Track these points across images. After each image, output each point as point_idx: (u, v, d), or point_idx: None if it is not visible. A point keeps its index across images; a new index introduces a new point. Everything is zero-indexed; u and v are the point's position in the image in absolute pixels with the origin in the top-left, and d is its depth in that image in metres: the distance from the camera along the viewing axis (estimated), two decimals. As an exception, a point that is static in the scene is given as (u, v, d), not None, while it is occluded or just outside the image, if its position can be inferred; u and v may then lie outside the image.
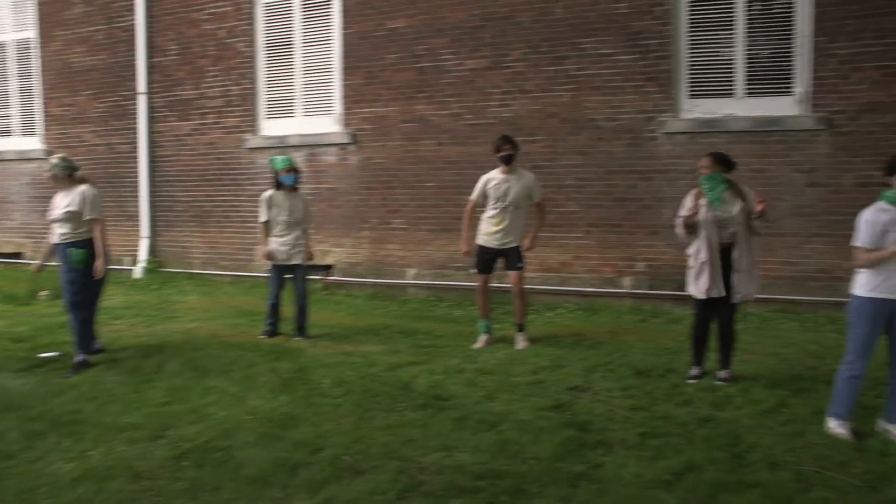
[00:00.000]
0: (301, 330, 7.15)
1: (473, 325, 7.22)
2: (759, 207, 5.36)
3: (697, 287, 5.58)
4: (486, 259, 6.88)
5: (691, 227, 5.53)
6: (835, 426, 4.55)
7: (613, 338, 7.03)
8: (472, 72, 9.00)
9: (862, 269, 4.51)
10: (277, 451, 4.26)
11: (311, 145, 9.97)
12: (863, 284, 4.49)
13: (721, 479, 3.88)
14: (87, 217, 6.19)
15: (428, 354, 6.44)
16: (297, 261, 7.15)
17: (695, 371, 5.72)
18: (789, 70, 7.92)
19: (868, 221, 4.44)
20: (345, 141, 9.75)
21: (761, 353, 6.40)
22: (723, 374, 5.61)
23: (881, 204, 4.46)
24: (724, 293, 5.51)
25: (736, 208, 5.44)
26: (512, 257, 6.81)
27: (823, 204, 7.69)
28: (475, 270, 6.95)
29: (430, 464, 4.10)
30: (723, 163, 5.52)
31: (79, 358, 6.14)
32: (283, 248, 7.14)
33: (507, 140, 6.76)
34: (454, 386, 5.48)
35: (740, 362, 5.96)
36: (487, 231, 6.82)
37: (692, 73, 8.20)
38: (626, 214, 8.39)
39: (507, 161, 6.73)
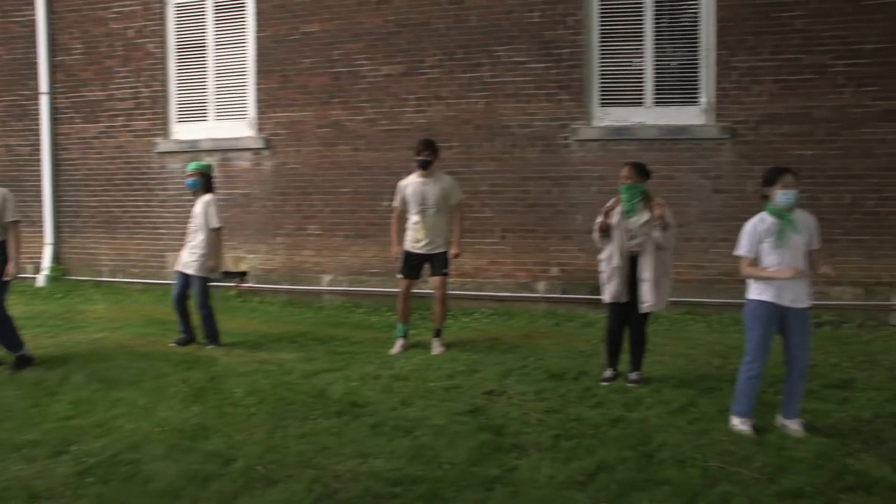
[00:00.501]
0: (210, 338, 6.98)
1: (390, 331, 7.21)
2: (656, 212, 5.51)
3: (607, 291, 5.74)
4: (413, 265, 6.89)
5: (605, 232, 5.68)
6: (737, 424, 4.74)
7: (528, 342, 7.12)
8: (387, 77, 9.00)
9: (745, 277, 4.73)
10: (188, 463, 4.15)
11: (224, 150, 9.77)
12: (756, 289, 4.73)
13: (631, 478, 3.98)
14: (10, 219, 6.05)
15: (344, 361, 6.39)
16: (188, 270, 6.96)
17: (608, 373, 5.85)
18: (695, 81, 8.22)
19: (747, 232, 4.70)
20: (259, 146, 9.60)
21: (671, 355, 6.60)
22: (634, 375, 5.76)
23: (762, 214, 4.69)
24: (628, 299, 5.67)
25: (642, 219, 5.59)
26: (438, 263, 6.84)
27: (728, 209, 8.00)
28: (401, 276, 6.93)
29: (346, 471, 4.06)
30: (643, 174, 5.67)
31: (19, 353, 6.12)
32: (182, 255, 7.02)
33: (427, 145, 6.79)
34: (370, 392, 5.46)
35: (651, 364, 6.13)
36: (414, 238, 6.83)
37: (603, 82, 8.42)
38: (540, 220, 8.53)
39: (424, 166, 6.76)
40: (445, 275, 6.87)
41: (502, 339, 7.23)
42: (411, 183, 6.84)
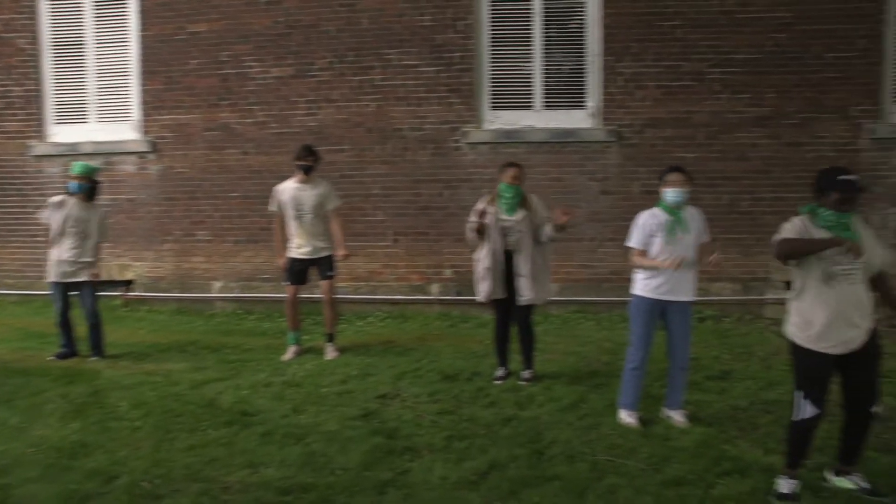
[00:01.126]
0: (96, 350, 6.69)
1: (282, 337, 7.08)
2: (562, 219, 5.53)
3: (481, 290, 5.84)
4: (298, 270, 6.79)
5: (481, 233, 5.75)
6: (624, 416, 4.91)
7: (422, 344, 7.14)
8: (277, 80, 8.83)
9: (635, 269, 4.89)
10: (65, 483, 3.96)
11: (107, 153, 9.34)
12: (640, 284, 4.91)
13: (523, 475, 4.05)
14: None
15: (234, 369, 6.24)
16: (81, 277, 6.66)
17: (500, 372, 5.94)
18: (582, 85, 8.44)
19: (639, 225, 4.87)
20: (144, 149, 9.24)
21: (562, 352, 6.75)
22: (526, 374, 5.85)
23: (655, 210, 4.87)
24: (503, 295, 5.77)
25: (518, 216, 5.69)
26: (324, 266, 6.77)
27: (615, 210, 8.26)
28: (287, 283, 6.82)
29: (235, 482, 3.97)
30: (524, 174, 5.79)
31: None
32: (65, 264, 6.67)
33: (308, 151, 6.71)
34: (261, 400, 5.35)
35: (543, 362, 6.26)
36: (296, 244, 6.74)
37: (494, 86, 8.53)
38: (432, 223, 8.56)
39: (306, 171, 6.68)
40: (331, 277, 6.80)
41: (396, 342, 7.22)
42: (287, 188, 6.76)
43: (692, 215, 4.90)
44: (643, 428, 4.79)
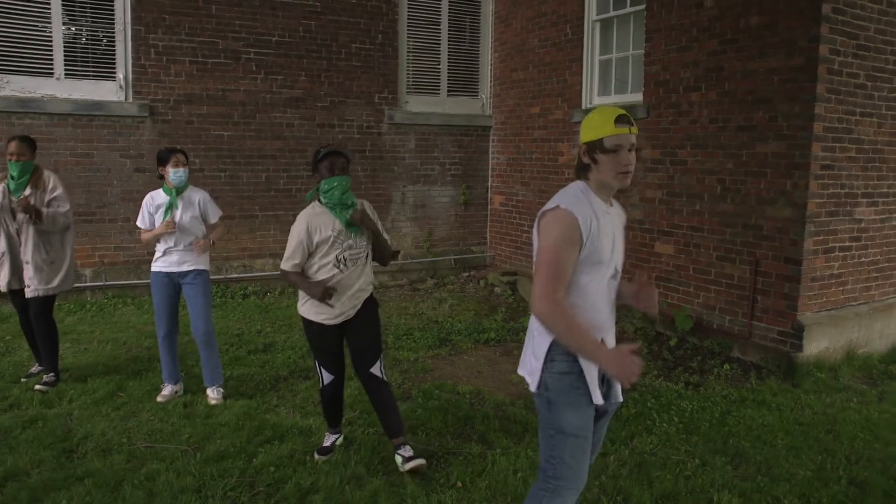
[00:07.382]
0: None
1: None
2: (21, 201, 4.93)
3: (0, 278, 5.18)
4: None
5: None
6: (163, 390, 4.97)
7: (-78, 347, 6.05)
8: None
9: (151, 248, 5.00)
10: None
11: None
12: (155, 262, 4.95)
13: (48, 480, 3.68)
14: None
15: None
16: None
17: (34, 369, 5.35)
18: (111, 56, 7.86)
19: (144, 204, 4.95)
20: None
21: (98, 341, 6.29)
22: (47, 378, 5.15)
23: (156, 192, 4.95)
24: (18, 286, 5.18)
25: (26, 193, 5.02)
26: None
27: (150, 189, 7.83)
28: None
29: None
30: (34, 148, 5.20)
31: None
32: None
33: None
34: None
35: (77, 353, 5.81)
36: None
37: (2, 48, 7.46)
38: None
39: None
40: None
41: None
42: None
43: (196, 196, 4.96)
44: (184, 409, 4.70)
